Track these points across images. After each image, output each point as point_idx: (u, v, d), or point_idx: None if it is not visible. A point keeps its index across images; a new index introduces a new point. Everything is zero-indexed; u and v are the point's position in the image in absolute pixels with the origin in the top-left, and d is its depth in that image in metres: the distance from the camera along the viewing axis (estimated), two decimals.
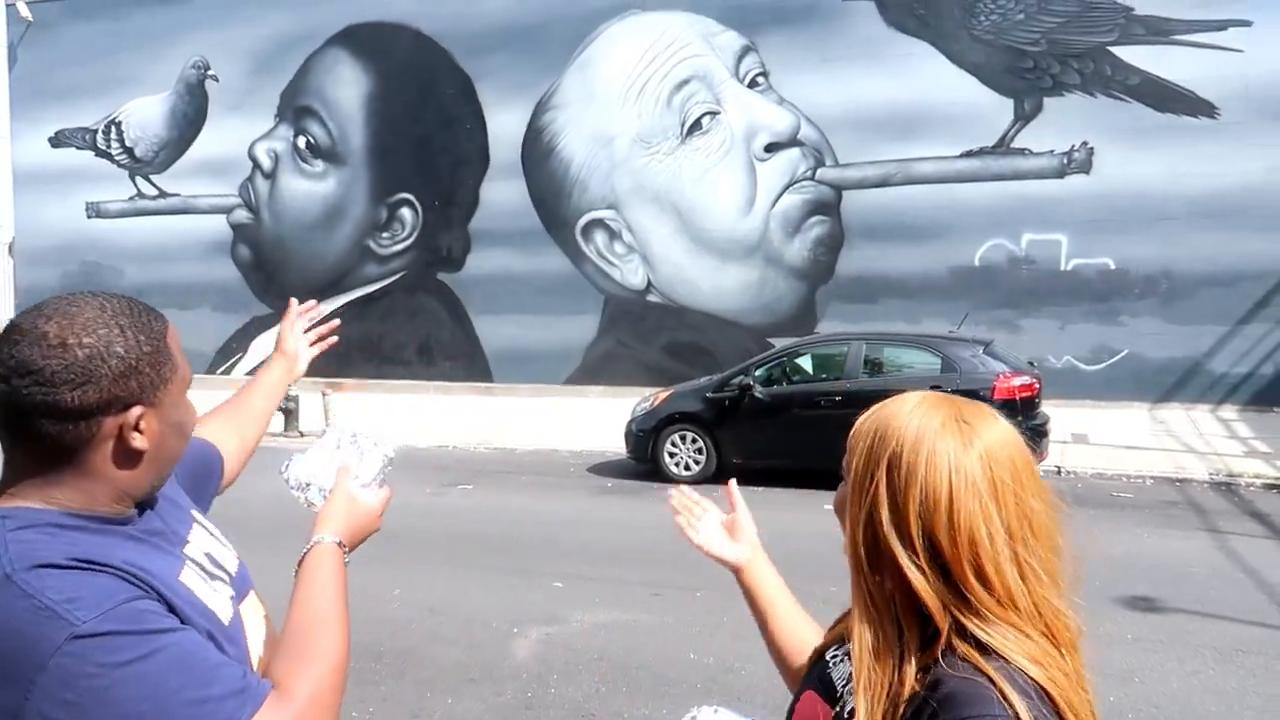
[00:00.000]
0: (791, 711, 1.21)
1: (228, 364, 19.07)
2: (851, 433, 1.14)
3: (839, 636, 1.21)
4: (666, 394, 10.64)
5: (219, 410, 1.79)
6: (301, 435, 13.64)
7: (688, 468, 9.96)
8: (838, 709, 1.12)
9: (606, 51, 16.40)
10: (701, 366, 14.72)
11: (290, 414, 13.72)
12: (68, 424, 1.09)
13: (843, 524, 1.14)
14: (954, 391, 8.58)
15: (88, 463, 1.12)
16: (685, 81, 15.88)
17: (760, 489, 9.52)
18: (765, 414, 9.77)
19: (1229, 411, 13.21)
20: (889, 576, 1.07)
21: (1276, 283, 13.29)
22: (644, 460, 10.29)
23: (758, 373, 9.99)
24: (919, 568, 1.04)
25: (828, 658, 1.21)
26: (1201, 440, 11.83)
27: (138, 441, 1.13)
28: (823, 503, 8.76)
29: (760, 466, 9.83)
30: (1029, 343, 13.67)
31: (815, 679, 1.20)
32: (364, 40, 17.96)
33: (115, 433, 1.12)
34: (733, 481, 1.73)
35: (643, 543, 7.54)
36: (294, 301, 2.08)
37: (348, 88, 18.11)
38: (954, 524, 1.03)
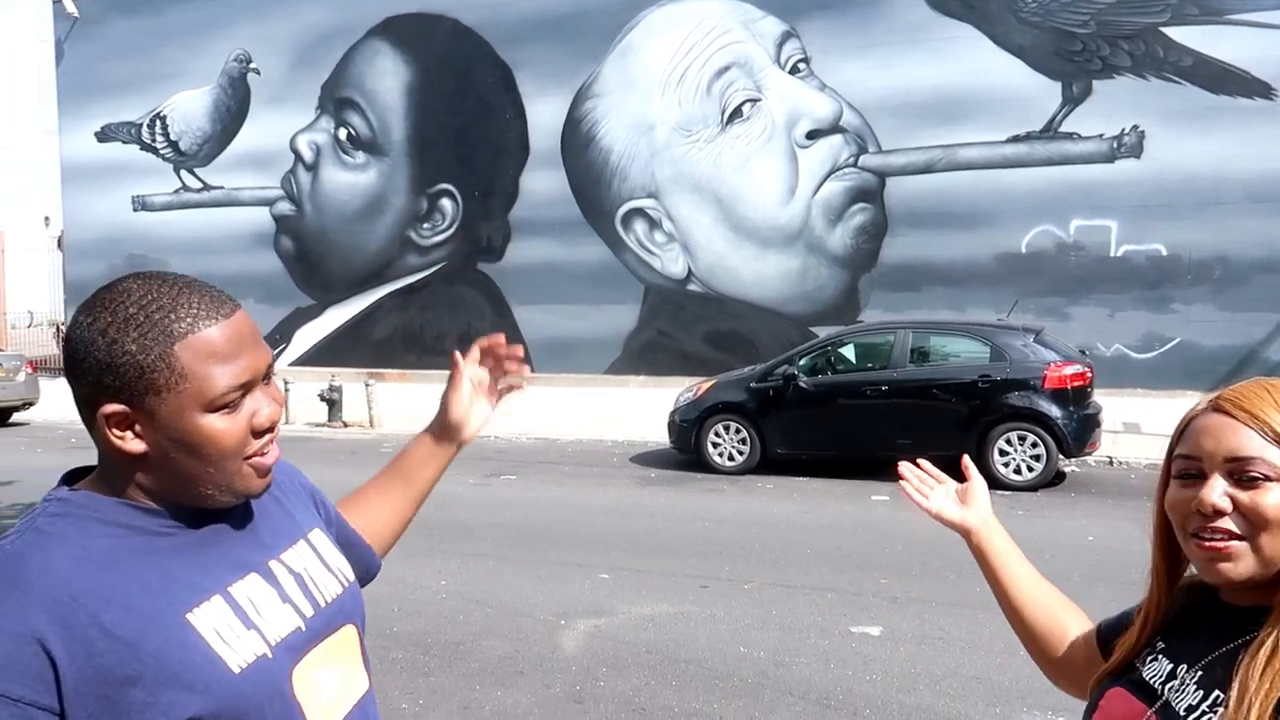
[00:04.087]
0: (1093, 709, 1.25)
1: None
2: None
3: (1146, 642, 1.24)
4: (710, 384, 10.55)
5: (370, 492, 1.60)
6: (345, 425, 13.73)
7: (731, 458, 9.88)
8: (1160, 704, 1.16)
9: (646, 39, 16.30)
10: (742, 356, 14.62)
11: (334, 404, 13.81)
12: (83, 410, 1.11)
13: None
14: (1003, 380, 8.39)
15: (107, 455, 1.12)
16: (725, 68, 15.74)
17: (805, 479, 9.44)
18: (810, 404, 9.65)
19: None
20: None
21: None
22: (687, 450, 10.23)
23: (802, 362, 9.88)
24: None
25: (1134, 661, 1.25)
26: None
27: (125, 442, 1.09)
28: (870, 494, 8.71)
29: (805, 457, 9.74)
30: (1077, 330, 13.40)
31: (1123, 680, 1.23)
32: (403, 31, 18.00)
33: (105, 427, 1.09)
34: (966, 456, 1.80)
35: (689, 534, 7.49)
36: (457, 356, 1.69)
37: (387, 79, 18.17)
38: None
